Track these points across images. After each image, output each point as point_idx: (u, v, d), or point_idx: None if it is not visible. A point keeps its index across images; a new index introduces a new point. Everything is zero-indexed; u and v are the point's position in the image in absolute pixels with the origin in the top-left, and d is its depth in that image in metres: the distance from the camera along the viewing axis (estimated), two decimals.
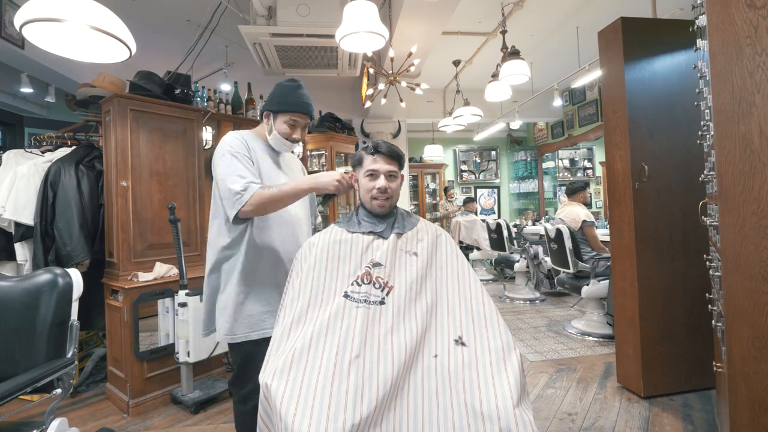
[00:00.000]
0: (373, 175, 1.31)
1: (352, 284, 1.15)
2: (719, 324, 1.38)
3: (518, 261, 4.99)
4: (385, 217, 1.32)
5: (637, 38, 2.25)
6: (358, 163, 1.36)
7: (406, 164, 6.45)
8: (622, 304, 2.37)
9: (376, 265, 1.19)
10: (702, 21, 1.36)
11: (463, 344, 1.08)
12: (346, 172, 1.37)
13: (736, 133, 1.14)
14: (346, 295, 1.13)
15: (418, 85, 3.59)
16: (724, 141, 1.17)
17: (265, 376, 1.02)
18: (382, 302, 1.12)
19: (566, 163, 7.00)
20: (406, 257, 1.23)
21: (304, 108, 1.47)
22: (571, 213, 3.64)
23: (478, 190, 8.53)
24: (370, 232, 1.27)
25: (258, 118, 3.48)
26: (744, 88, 1.11)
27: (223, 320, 1.39)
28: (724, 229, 1.19)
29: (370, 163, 1.31)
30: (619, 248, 2.37)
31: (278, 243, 1.44)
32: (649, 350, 2.24)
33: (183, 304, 2.32)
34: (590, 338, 3.31)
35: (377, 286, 1.15)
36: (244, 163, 1.36)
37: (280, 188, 1.32)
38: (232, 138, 1.40)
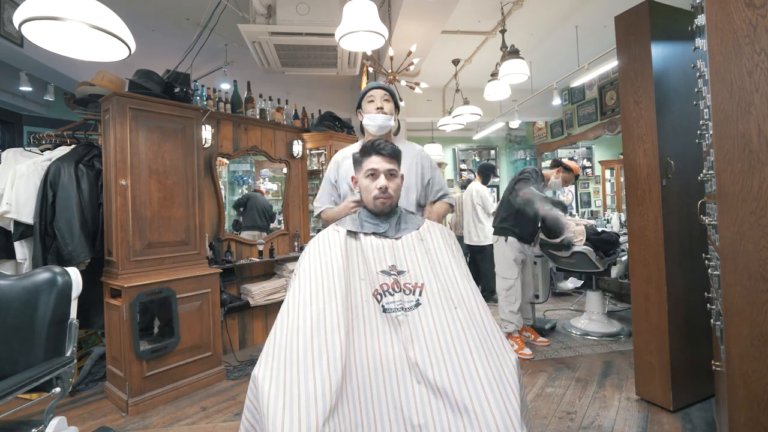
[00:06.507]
0: (373, 174, 1.32)
1: (384, 294, 1.15)
2: (718, 323, 1.39)
3: None
4: (388, 216, 1.32)
5: (662, 24, 2.09)
6: (356, 164, 1.36)
7: None
8: (645, 311, 2.19)
9: (401, 272, 1.19)
10: (701, 20, 1.36)
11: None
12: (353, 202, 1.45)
13: (734, 132, 1.14)
14: (384, 310, 1.12)
15: (417, 84, 3.58)
16: (723, 140, 1.17)
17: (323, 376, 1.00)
18: (417, 304, 1.13)
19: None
20: (421, 253, 1.24)
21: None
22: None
23: None
24: (373, 233, 1.27)
25: (257, 116, 3.48)
26: (743, 88, 1.12)
27: None
28: (723, 228, 1.19)
29: (369, 163, 1.32)
30: (643, 250, 2.19)
31: None
32: (677, 360, 2.08)
33: None
34: (589, 337, 3.31)
35: (407, 291, 1.16)
36: None
37: None
38: None
